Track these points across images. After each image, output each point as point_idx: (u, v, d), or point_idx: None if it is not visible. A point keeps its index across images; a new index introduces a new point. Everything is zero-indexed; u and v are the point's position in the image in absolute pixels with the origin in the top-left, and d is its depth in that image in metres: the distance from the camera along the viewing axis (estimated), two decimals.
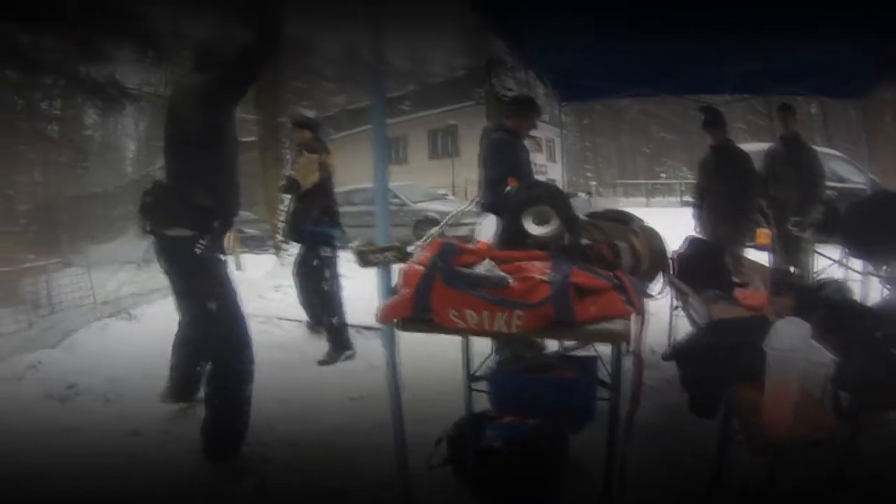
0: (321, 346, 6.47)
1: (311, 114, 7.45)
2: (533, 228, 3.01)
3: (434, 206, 17.21)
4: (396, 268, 2.90)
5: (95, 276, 10.82)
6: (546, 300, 2.45)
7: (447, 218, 15.00)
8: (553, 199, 3.08)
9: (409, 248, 2.99)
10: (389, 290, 2.86)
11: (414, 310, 2.58)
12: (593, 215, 3.81)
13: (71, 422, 4.74)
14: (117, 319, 7.96)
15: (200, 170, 3.75)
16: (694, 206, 7.31)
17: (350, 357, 6.28)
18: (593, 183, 40.39)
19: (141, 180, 24.34)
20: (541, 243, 2.96)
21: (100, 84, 21.64)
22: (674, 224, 5.82)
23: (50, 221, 21.14)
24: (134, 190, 24.69)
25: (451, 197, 21.06)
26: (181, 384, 4.67)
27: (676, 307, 5.23)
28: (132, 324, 7.51)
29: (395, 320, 2.70)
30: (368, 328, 6.58)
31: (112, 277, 9.97)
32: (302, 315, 7.13)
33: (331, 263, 6.55)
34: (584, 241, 3.11)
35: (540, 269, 2.60)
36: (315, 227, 6.44)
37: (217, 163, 3.83)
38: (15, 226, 17.29)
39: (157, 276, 7.65)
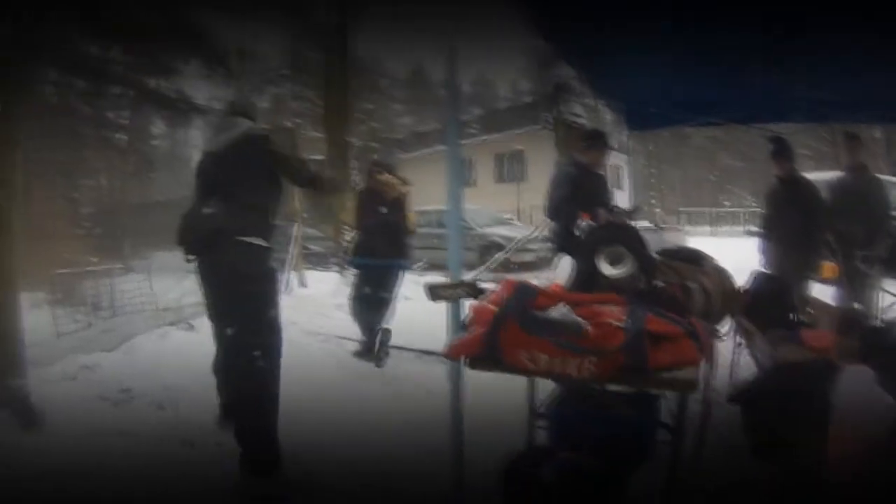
0: (376, 368, 6.48)
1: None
2: (607, 269, 2.95)
3: (500, 231, 17.04)
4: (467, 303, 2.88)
5: (158, 283, 11.00)
6: (620, 347, 2.41)
7: (513, 244, 14.84)
8: (627, 239, 3.03)
9: (482, 285, 2.97)
10: (459, 326, 2.83)
11: (484, 349, 2.54)
12: (665, 253, 3.73)
13: (122, 425, 4.79)
14: (178, 328, 7.89)
15: (270, 196, 4.17)
16: (760, 237, 7.16)
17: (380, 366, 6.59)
18: (657, 210, 39.98)
19: None
20: (615, 285, 2.91)
21: (168, 97, 22.12)
22: (738, 255, 5.71)
23: (114, 226, 21.57)
24: None
25: (516, 222, 20.94)
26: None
27: (740, 344, 5.13)
28: (192, 334, 7.45)
29: (464, 358, 2.68)
30: (428, 353, 6.54)
31: (175, 286, 10.09)
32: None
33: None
34: (657, 283, 3.05)
35: (615, 314, 2.55)
36: (401, 259, 6.90)
37: (279, 192, 4.26)
38: (79, 228, 17.62)
39: None
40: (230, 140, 4.08)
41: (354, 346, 6.95)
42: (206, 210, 3.92)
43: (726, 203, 43.07)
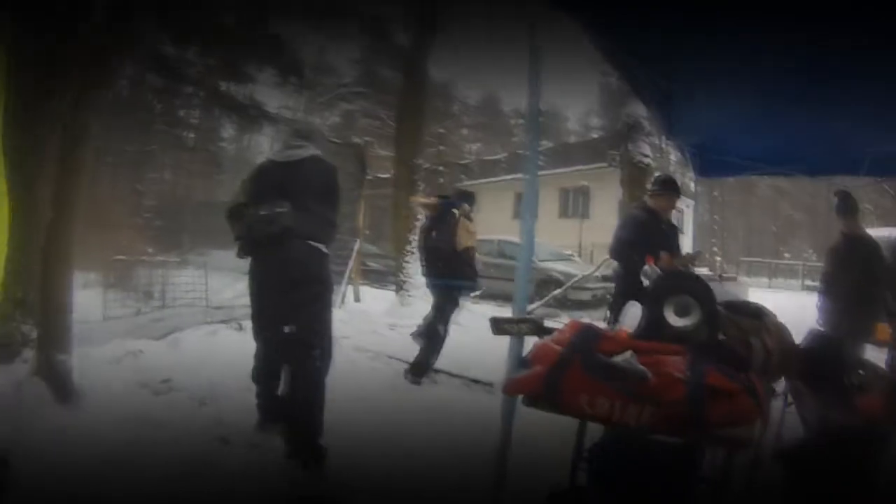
0: (426, 391, 6.41)
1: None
2: (673, 319, 2.85)
3: (559, 267, 16.66)
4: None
5: (213, 280, 11.10)
6: (680, 400, 2.32)
7: (571, 281, 14.61)
8: (696, 290, 2.92)
9: (546, 323, 2.88)
10: (519, 362, 2.75)
11: (544, 389, 2.45)
12: (728, 307, 3.61)
13: (160, 415, 4.78)
14: (227, 327, 8.00)
15: (333, 209, 4.44)
16: (819, 294, 6.91)
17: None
18: (718, 258, 39.49)
19: None
20: (679, 335, 2.80)
21: (239, 102, 22.55)
22: (794, 310, 5.52)
23: (174, 220, 21.94)
24: None
25: (576, 259, 20.65)
26: (273, 408, 4.57)
27: (790, 404, 4.94)
28: (241, 334, 7.42)
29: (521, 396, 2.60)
30: (477, 381, 6.48)
31: (230, 285, 10.17)
32: (412, 356, 7.00)
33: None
34: (721, 336, 2.94)
35: (677, 365, 2.45)
36: (454, 280, 7.01)
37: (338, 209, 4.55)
38: (139, 218, 17.96)
39: None
40: (298, 158, 4.37)
41: (405, 367, 6.93)
42: (278, 209, 4.07)
43: (786, 255, 42.32)
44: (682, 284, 2.89)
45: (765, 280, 31.14)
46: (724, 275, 25.13)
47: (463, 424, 5.19)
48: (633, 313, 2.95)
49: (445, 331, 6.95)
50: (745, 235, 49.00)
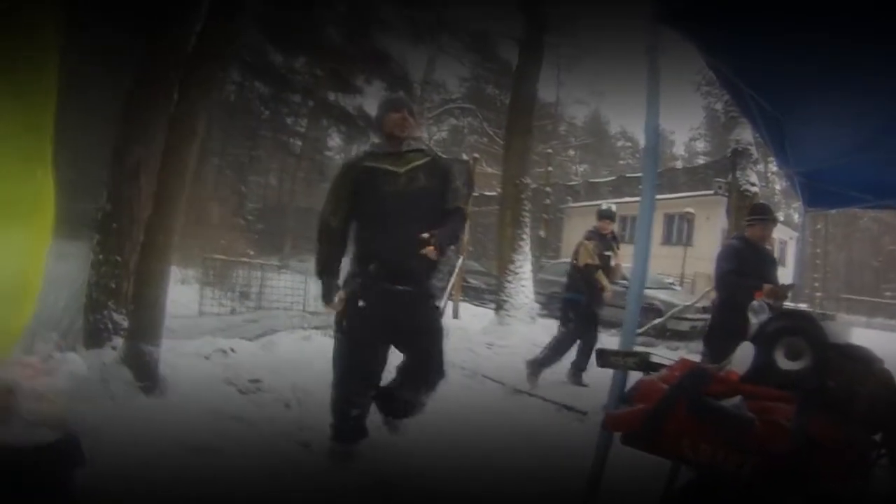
0: (517, 413, 6.25)
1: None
2: (783, 362, 2.67)
3: (660, 296, 15.77)
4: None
5: (312, 286, 11.24)
6: (784, 451, 2.17)
7: (672, 310, 14.15)
8: (810, 331, 2.72)
9: (654, 359, 2.76)
10: (622, 397, 2.65)
11: (645, 428, 2.36)
12: (835, 349, 3.38)
13: (244, 413, 4.77)
14: (322, 334, 7.89)
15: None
16: None
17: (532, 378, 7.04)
18: (818, 294, 38.04)
19: None
20: (788, 380, 2.62)
21: (347, 112, 23.02)
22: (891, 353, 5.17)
23: (276, 224, 22.41)
24: None
25: (678, 287, 20.03)
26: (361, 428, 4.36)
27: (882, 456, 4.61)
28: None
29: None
30: (569, 408, 6.21)
31: None
32: (510, 378, 7.06)
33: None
34: (829, 383, 2.74)
35: (784, 413, 2.30)
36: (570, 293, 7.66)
37: None
38: (241, 220, 18.43)
39: None
40: (416, 166, 4.08)
41: (499, 388, 6.92)
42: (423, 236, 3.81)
43: (887, 293, 40.30)
44: (797, 325, 2.71)
45: (863, 319, 29.66)
46: (824, 312, 24.12)
47: (552, 451, 4.96)
48: (744, 354, 2.78)
49: (559, 340, 7.42)
50: (845, 270, 47.01)
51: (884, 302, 35.23)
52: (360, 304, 3.94)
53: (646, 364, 2.67)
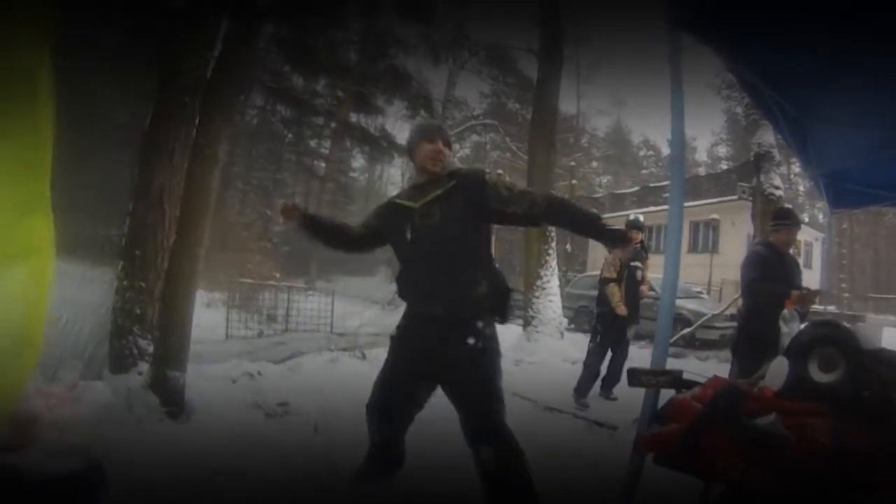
0: (547, 431, 6.18)
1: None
2: (817, 374, 2.60)
3: (688, 305, 15.52)
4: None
5: (339, 307, 11.21)
6: (822, 467, 2.11)
7: (700, 320, 13.89)
8: (842, 340, 2.65)
9: (686, 377, 2.71)
10: (654, 417, 2.59)
11: (680, 448, 2.30)
12: (870, 356, 3.28)
13: (271, 438, 4.73)
14: (349, 355, 7.95)
15: None
16: None
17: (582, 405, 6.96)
18: (846, 295, 37.59)
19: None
20: (822, 392, 2.54)
21: (370, 133, 23.13)
22: None
23: (302, 247, 22.47)
24: None
25: (705, 296, 19.73)
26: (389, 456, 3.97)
27: None
28: (363, 364, 7.44)
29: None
30: (600, 424, 6.10)
31: (356, 314, 10.24)
32: (540, 395, 7.02)
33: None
34: (865, 393, 2.66)
35: (821, 428, 2.24)
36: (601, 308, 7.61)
37: None
38: (268, 242, 18.52)
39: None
40: (431, 199, 3.44)
41: (530, 405, 6.84)
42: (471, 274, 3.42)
43: None
44: (829, 335, 2.64)
45: (892, 318, 29.20)
46: (853, 313, 23.74)
47: (585, 469, 4.88)
48: (778, 370, 2.71)
49: (591, 356, 7.40)
50: (872, 269, 46.38)
51: None
52: (394, 334, 3.63)
53: (678, 382, 2.62)
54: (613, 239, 3.31)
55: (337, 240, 3.85)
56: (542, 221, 3.53)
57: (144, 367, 5.04)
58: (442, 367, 3.38)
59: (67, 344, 5.14)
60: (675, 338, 12.52)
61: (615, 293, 7.34)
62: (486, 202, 3.35)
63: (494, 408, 3.36)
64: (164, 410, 4.75)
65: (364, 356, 7.78)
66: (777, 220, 5.65)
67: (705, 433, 2.25)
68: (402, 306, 3.78)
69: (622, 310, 7.33)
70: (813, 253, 27.61)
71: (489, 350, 3.35)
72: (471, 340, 3.28)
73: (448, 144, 3.56)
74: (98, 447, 2.52)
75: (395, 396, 3.62)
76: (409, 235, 3.43)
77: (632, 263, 7.44)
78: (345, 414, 5.19)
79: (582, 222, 3.40)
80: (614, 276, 7.40)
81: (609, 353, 7.45)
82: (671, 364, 2.82)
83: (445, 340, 3.31)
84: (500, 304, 3.49)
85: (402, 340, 3.56)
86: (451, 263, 3.32)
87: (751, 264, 5.45)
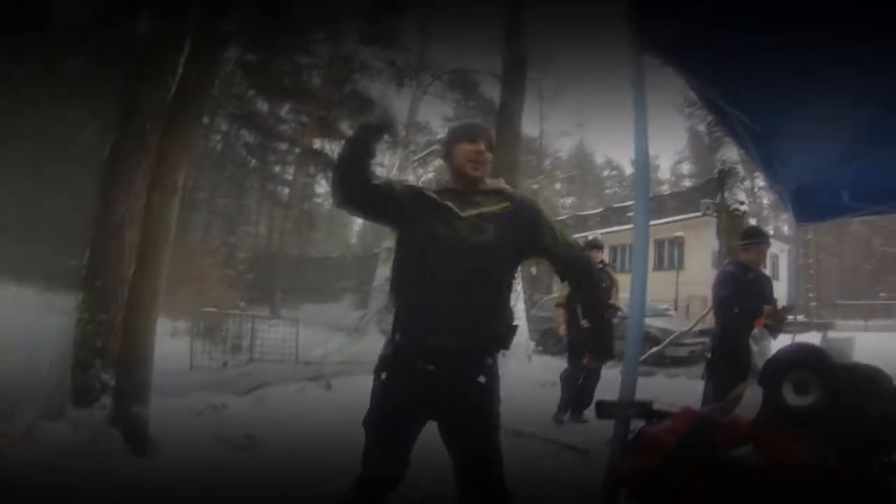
0: (520, 455, 6.08)
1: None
2: (792, 398, 2.58)
3: (656, 323, 15.25)
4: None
5: (304, 335, 11.11)
6: (804, 496, 2.12)
7: (669, 337, 14.02)
8: (815, 362, 2.63)
9: (656, 407, 2.66)
10: (623, 445, 2.56)
11: (653, 482, 2.31)
12: (842, 371, 3.27)
13: (239, 473, 4.68)
14: (315, 385, 7.84)
15: None
16: None
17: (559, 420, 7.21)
18: (813, 304, 38.14)
19: (364, 255, 25.64)
20: (799, 415, 2.52)
21: (334, 159, 23.16)
22: (891, 353, 5.11)
23: (266, 274, 22.35)
24: (357, 263, 26.10)
25: (672, 313, 19.86)
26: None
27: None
28: (329, 393, 7.41)
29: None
30: (572, 448, 6.05)
31: (321, 344, 10.16)
32: (509, 419, 6.83)
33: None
34: (842, 412, 2.65)
35: (799, 455, 2.23)
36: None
37: None
38: (231, 271, 18.37)
39: (365, 349, 7.70)
40: (484, 213, 2.97)
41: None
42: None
43: (882, 294, 40.44)
44: (800, 357, 2.63)
45: (861, 322, 29.69)
46: (822, 321, 23.96)
47: (558, 491, 4.85)
48: (752, 398, 2.70)
49: (567, 377, 7.45)
50: (839, 276, 47.20)
51: (879, 304, 35.40)
52: (382, 376, 2.95)
53: (648, 413, 2.58)
54: (594, 349, 3.24)
55: (361, 166, 2.89)
56: (570, 275, 3.16)
57: (108, 400, 4.93)
58: (444, 407, 2.87)
59: (30, 379, 5.04)
60: (643, 356, 12.55)
61: (559, 315, 7.55)
62: (540, 237, 2.99)
63: (497, 452, 2.91)
64: (128, 446, 4.66)
65: (330, 386, 7.69)
66: (746, 238, 5.73)
67: (679, 468, 2.25)
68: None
69: (562, 330, 7.52)
70: (779, 265, 27.96)
71: (495, 388, 2.92)
72: (482, 379, 2.85)
73: (491, 147, 3.06)
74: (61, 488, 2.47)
75: (395, 443, 2.98)
76: (446, 246, 2.83)
77: None
78: (314, 444, 5.20)
79: (592, 307, 3.25)
80: (563, 300, 7.54)
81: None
82: (640, 383, 2.77)
83: (455, 378, 2.82)
84: (508, 338, 2.98)
85: (397, 380, 2.90)
86: (487, 292, 2.88)
87: (722, 283, 5.50)
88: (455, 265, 2.78)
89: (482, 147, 2.98)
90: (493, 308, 2.88)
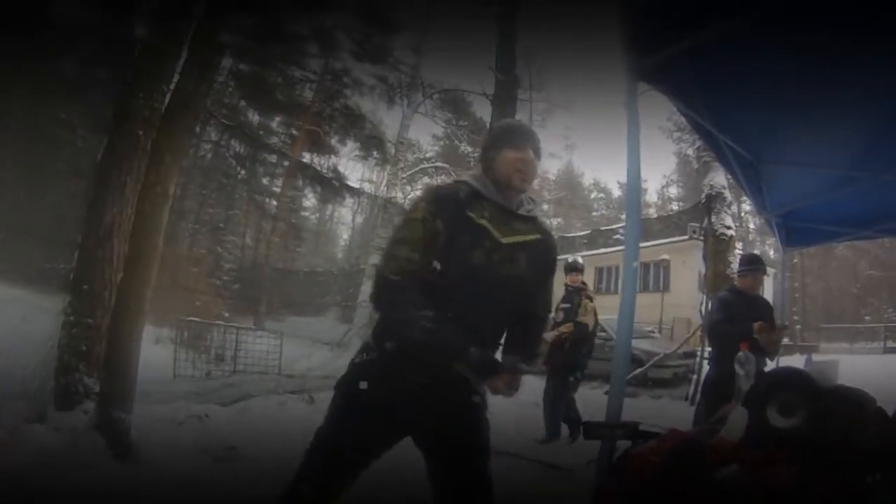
0: (505, 476, 6.05)
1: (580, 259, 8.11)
2: (777, 420, 2.59)
3: (640, 345, 15.02)
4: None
5: (288, 348, 11.06)
6: None
7: (653, 359, 14.09)
8: (799, 385, 2.64)
9: (643, 428, 2.65)
10: (607, 467, 2.55)
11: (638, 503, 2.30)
12: (828, 395, 3.28)
13: (219, 483, 4.66)
14: (298, 398, 7.83)
15: None
16: None
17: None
18: (798, 326, 38.37)
19: (350, 270, 25.58)
20: (784, 438, 2.54)
21: (322, 173, 23.20)
22: (881, 377, 5.14)
23: (252, 285, 22.26)
24: (343, 277, 26.02)
25: (656, 335, 20.02)
26: None
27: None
28: (311, 407, 7.33)
29: None
30: (554, 467, 6.10)
31: (304, 357, 10.10)
32: (492, 439, 6.82)
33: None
34: (827, 435, 2.67)
35: (785, 477, 2.24)
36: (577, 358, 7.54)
37: None
38: (217, 280, 18.28)
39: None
40: (519, 242, 2.69)
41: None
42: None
43: (867, 318, 40.70)
44: (785, 381, 2.65)
45: (845, 345, 29.87)
46: (806, 344, 23.99)
47: None
48: (737, 420, 2.72)
49: (550, 394, 7.50)
50: (824, 300, 47.44)
51: (863, 327, 35.60)
52: (362, 385, 2.61)
53: (634, 434, 2.58)
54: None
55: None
56: (529, 321, 2.85)
57: (90, 405, 4.91)
58: (433, 426, 2.61)
59: (13, 381, 5.01)
60: (627, 377, 12.54)
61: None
62: (547, 275, 2.88)
63: (488, 483, 2.65)
64: (109, 452, 4.64)
65: (312, 399, 7.66)
66: (744, 265, 5.77)
67: (665, 490, 2.26)
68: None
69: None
70: (765, 288, 28.04)
71: (484, 407, 2.70)
72: (476, 398, 2.65)
73: (539, 155, 2.71)
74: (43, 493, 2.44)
75: (356, 449, 2.66)
76: (477, 275, 2.51)
77: (562, 305, 7.52)
78: (295, 458, 5.10)
79: (520, 341, 2.81)
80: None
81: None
82: (624, 404, 2.79)
83: (450, 396, 2.58)
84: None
85: (380, 392, 2.56)
86: (503, 322, 2.73)
87: (717, 308, 5.55)
88: (480, 294, 2.52)
89: (530, 155, 2.65)
90: (499, 339, 2.75)
